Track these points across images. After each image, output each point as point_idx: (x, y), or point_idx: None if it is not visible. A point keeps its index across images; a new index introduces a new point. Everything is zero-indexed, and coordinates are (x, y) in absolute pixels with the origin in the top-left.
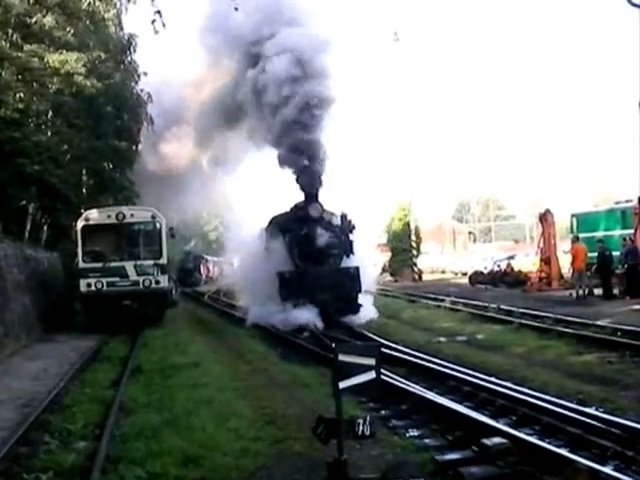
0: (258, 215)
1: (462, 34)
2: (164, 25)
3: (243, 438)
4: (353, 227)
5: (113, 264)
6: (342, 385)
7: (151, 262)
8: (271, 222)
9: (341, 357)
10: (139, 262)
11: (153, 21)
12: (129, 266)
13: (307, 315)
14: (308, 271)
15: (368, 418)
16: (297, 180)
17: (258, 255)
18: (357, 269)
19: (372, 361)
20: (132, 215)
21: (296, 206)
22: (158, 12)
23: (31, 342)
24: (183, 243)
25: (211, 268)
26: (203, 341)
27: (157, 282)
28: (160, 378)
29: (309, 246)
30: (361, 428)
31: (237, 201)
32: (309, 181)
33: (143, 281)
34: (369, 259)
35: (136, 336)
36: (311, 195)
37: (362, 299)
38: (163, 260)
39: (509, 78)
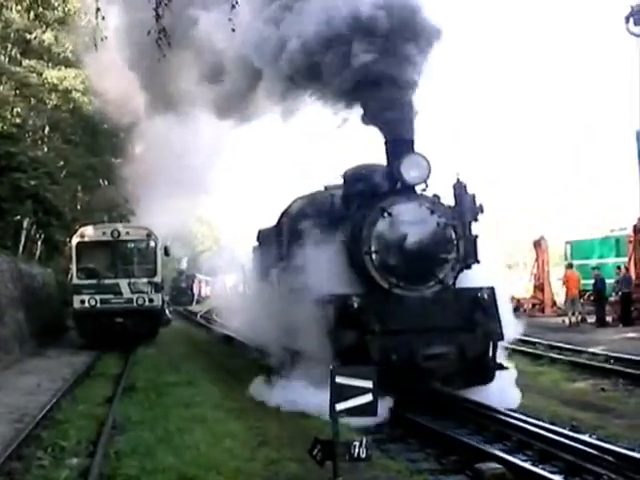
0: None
1: (457, 59)
2: (169, 44)
3: (237, 458)
4: (480, 209)
5: (107, 281)
6: (339, 407)
7: (145, 280)
8: (292, 206)
9: (338, 379)
10: (133, 280)
11: (158, 38)
12: (123, 284)
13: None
14: (396, 295)
15: (364, 440)
16: (369, 115)
17: (268, 268)
18: (493, 293)
19: (369, 384)
20: (127, 233)
21: (346, 177)
22: (163, 30)
23: (24, 357)
24: (176, 262)
25: (204, 287)
26: (196, 360)
27: (151, 300)
28: (154, 396)
29: (399, 244)
30: (357, 450)
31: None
32: (399, 118)
33: (137, 299)
34: (499, 272)
35: (129, 353)
36: (404, 142)
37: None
38: (157, 278)
39: (505, 102)
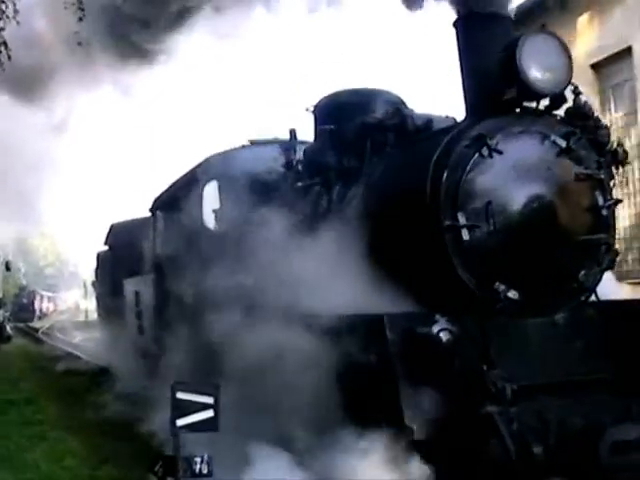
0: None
1: None
2: (9, 58)
3: (78, 477)
4: (624, 153)
5: None
6: (179, 423)
7: None
8: (200, 170)
9: (179, 395)
10: None
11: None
12: None
13: None
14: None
15: (206, 456)
16: None
17: (132, 275)
18: None
19: (211, 400)
20: None
21: (321, 110)
22: (4, 43)
23: None
24: (17, 277)
25: (45, 303)
26: (35, 377)
27: None
28: None
29: (509, 215)
30: (199, 467)
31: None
32: None
33: None
34: None
35: None
36: (507, 19)
37: None
38: None
39: None
